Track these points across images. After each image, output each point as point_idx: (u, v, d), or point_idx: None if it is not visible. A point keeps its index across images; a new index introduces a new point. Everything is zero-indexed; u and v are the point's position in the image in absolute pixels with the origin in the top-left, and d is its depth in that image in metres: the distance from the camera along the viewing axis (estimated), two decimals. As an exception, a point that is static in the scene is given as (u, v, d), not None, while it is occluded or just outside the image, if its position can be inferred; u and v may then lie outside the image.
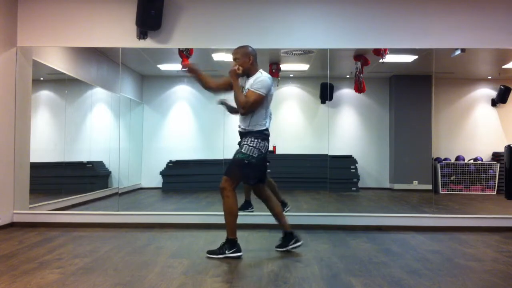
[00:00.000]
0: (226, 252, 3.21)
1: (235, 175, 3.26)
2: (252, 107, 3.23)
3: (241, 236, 4.03)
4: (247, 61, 3.31)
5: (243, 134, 3.36)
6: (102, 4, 4.68)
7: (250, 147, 3.24)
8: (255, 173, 3.31)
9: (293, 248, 3.44)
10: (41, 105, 5.91)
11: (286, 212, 4.71)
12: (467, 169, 7.96)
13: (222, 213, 4.69)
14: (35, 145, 4.86)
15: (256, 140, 3.26)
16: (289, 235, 3.47)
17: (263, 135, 3.29)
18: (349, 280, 2.73)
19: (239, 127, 3.39)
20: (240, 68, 3.30)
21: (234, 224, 3.25)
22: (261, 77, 3.27)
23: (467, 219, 4.61)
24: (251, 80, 3.31)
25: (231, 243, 3.24)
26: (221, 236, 3.87)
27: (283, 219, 3.48)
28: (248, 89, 3.28)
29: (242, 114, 3.30)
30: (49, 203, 5.01)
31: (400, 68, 7.69)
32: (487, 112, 8.27)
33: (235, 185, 3.28)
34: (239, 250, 3.24)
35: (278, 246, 3.50)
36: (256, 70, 3.35)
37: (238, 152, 3.29)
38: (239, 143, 3.38)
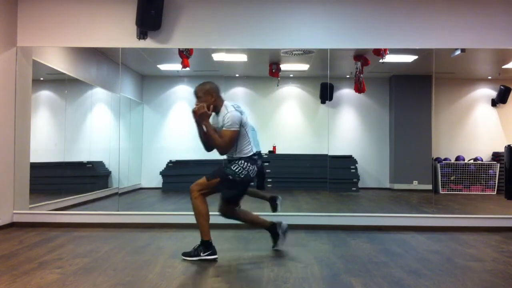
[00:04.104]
0: (201, 254, 3.18)
1: (213, 182, 3.22)
2: (230, 145, 3.22)
3: (241, 236, 4.04)
4: (210, 98, 3.27)
5: (230, 161, 3.34)
6: (102, 4, 4.68)
7: (240, 167, 3.24)
8: (234, 192, 3.30)
9: (282, 236, 3.47)
10: (41, 105, 5.91)
11: (278, 202, 4.58)
12: (467, 169, 7.96)
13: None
14: (35, 145, 4.86)
15: (246, 163, 3.26)
16: (273, 228, 3.49)
17: (252, 160, 3.29)
18: (349, 280, 2.73)
19: (227, 155, 3.38)
20: (207, 107, 3.23)
21: (206, 226, 3.21)
22: (228, 113, 3.21)
23: (467, 219, 4.61)
24: (220, 118, 3.28)
25: (206, 245, 3.20)
26: (220, 237, 3.88)
27: (259, 221, 3.50)
28: (222, 128, 3.24)
29: (221, 154, 3.29)
30: (49, 203, 5.01)
31: (400, 68, 7.69)
32: (487, 112, 8.27)
33: (206, 192, 3.23)
34: (214, 253, 3.19)
35: (274, 246, 3.54)
36: (221, 105, 3.31)
37: (227, 167, 3.27)
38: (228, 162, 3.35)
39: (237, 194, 3.36)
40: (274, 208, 4.43)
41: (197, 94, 3.33)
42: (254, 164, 3.30)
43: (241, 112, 3.29)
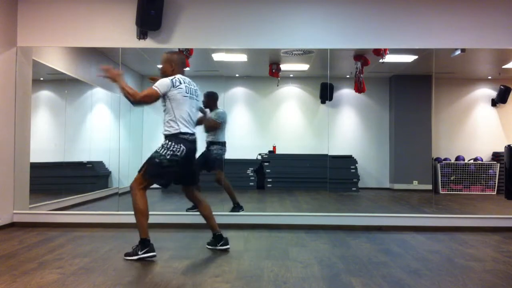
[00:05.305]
0: (139, 253, 3.18)
1: (145, 173, 3.25)
2: (142, 99, 3.23)
3: (241, 236, 4.04)
4: (168, 67, 3.41)
5: (164, 137, 3.37)
6: (102, 4, 4.68)
7: (164, 148, 3.26)
8: (166, 174, 3.28)
9: (221, 249, 3.48)
10: (41, 105, 5.91)
11: (240, 213, 4.82)
12: (467, 169, 7.96)
13: (222, 213, 4.70)
14: (35, 145, 4.85)
15: (170, 142, 3.27)
16: (218, 236, 3.51)
17: (178, 138, 3.28)
18: (349, 280, 2.73)
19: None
20: (164, 75, 3.35)
21: (144, 223, 3.20)
22: (165, 79, 3.31)
23: (467, 219, 4.61)
24: None
25: (143, 244, 3.20)
26: (221, 236, 3.87)
27: (211, 221, 3.52)
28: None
29: (132, 105, 3.32)
30: (49, 203, 5.01)
31: (400, 68, 7.69)
32: (487, 112, 8.27)
33: (145, 185, 3.25)
34: (151, 250, 3.19)
35: (208, 244, 3.57)
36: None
37: (154, 151, 3.30)
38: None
39: (171, 176, 3.32)
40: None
41: (161, 61, 3.46)
42: (181, 143, 3.27)
43: (173, 84, 3.25)
